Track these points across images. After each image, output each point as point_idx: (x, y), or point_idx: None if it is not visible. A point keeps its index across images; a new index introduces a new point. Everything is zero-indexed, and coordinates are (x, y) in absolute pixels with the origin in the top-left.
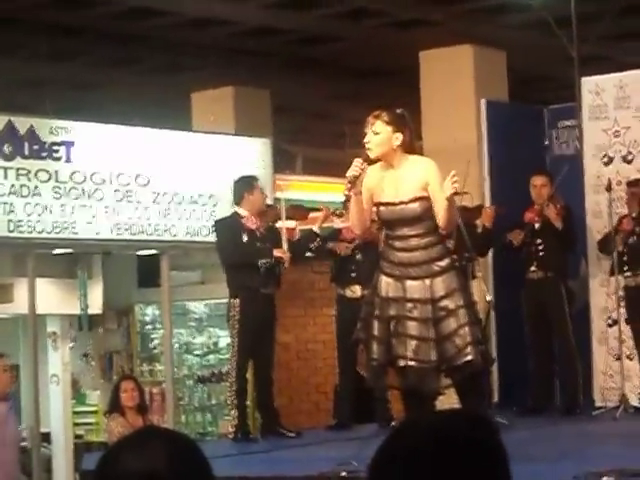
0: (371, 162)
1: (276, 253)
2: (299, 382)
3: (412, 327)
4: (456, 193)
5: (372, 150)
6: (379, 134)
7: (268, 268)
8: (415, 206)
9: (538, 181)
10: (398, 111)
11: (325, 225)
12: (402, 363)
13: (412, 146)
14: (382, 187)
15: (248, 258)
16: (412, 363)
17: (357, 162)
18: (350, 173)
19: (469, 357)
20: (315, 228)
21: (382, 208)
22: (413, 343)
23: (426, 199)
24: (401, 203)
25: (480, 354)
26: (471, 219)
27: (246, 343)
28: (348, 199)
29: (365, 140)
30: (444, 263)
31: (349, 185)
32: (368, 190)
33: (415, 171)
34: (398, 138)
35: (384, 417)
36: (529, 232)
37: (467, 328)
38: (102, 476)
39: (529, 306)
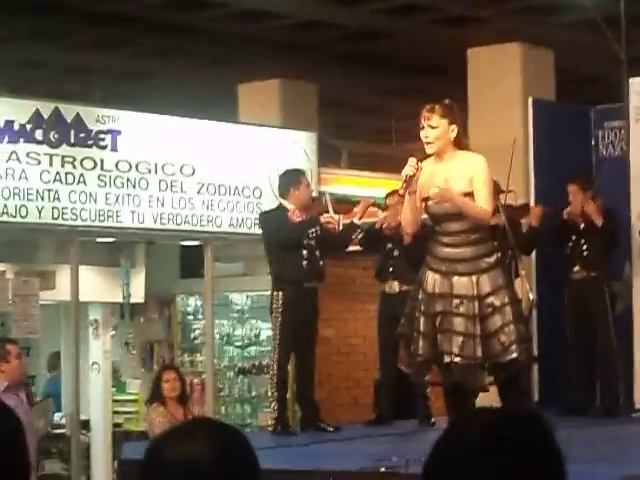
0: (423, 159)
1: (324, 219)
2: (339, 376)
3: (458, 323)
4: (501, 191)
5: (432, 144)
6: (437, 128)
7: (312, 261)
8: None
9: (570, 188)
10: (447, 102)
11: (368, 220)
12: (447, 359)
13: (462, 138)
14: (432, 182)
15: (297, 235)
16: (457, 359)
17: (412, 161)
18: (405, 172)
19: (514, 355)
20: (356, 220)
21: (431, 203)
22: (459, 339)
23: (470, 195)
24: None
25: (525, 352)
26: (516, 217)
27: (288, 336)
28: (402, 196)
29: (423, 135)
30: (491, 260)
31: (404, 184)
32: (420, 187)
33: (464, 166)
34: (454, 130)
35: (424, 414)
36: (573, 231)
37: (512, 326)
38: (148, 465)
39: (571, 306)
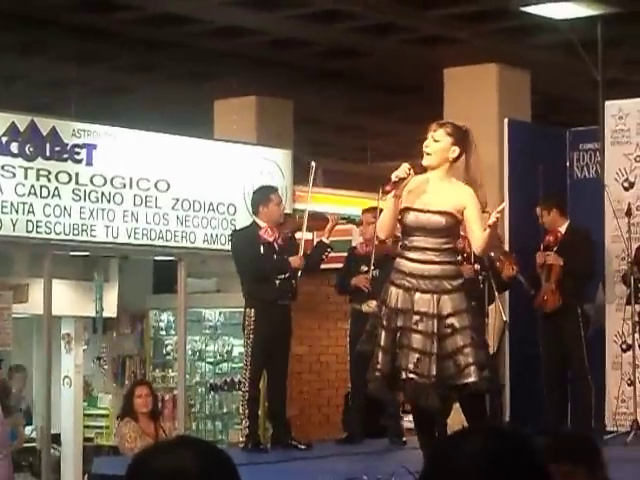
0: (417, 173)
1: (292, 262)
2: (311, 394)
3: (416, 340)
4: (484, 211)
5: (429, 156)
6: (439, 142)
7: (284, 279)
8: (441, 219)
9: (538, 212)
10: (463, 127)
11: (343, 238)
12: (403, 375)
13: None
14: (418, 194)
15: (264, 271)
16: (411, 376)
17: (405, 166)
18: (396, 174)
19: (470, 379)
20: (324, 239)
21: (410, 213)
22: (415, 356)
23: (454, 218)
24: (429, 212)
25: (483, 378)
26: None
27: (260, 353)
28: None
29: (424, 145)
30: (455, 282)
31: (391, 185)
32: (405, 198)
33: (454, 191)
34: (455, 151)
35: (395, 432)
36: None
37: (471, 349)
38: (134, 476)
39: (544, 328)
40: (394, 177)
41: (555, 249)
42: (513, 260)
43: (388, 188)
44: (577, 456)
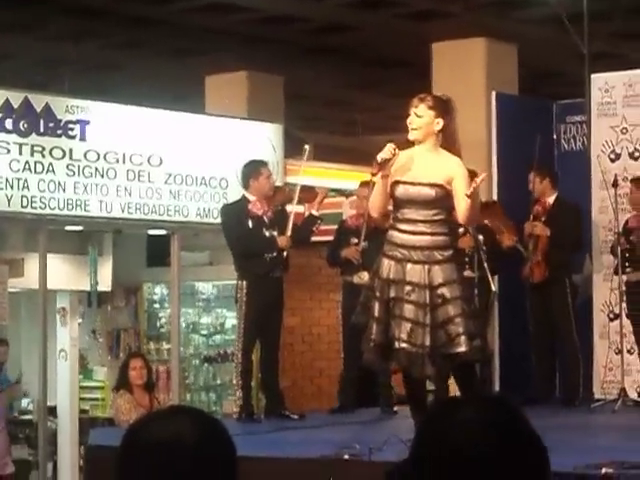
0: (405, 147)
1: (278, 242)
2: (303, 365)
3: (408, 310)
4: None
5: (415, 131)
6: (421, 117)
7: (274, 256)
8: (431, 191)
9: (534, 177)
10: (444, 97)
11: (334, 211)
12: (396, 345)
13: (452, 136)
14: (407, 167)
15: (252, 249)
16: (404, 345)
17: (390, 146)
18: (381, 156)
19: (460, 348)
20: (314, 211)
21: (399, 186)
22: (408, 326)
23: (444, 189)
24: (419, 184)
25: (473, 348)
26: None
27: (253, 325)
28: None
29: (408, 121)
30: (446, 253)
31: (377, 167)
32: (392, 171)
33: (443, 163)
34: (439, 123)
35: (386, 402)
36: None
37: (462, 319)
38: (130, 444)
39: (533, 299)
40: (379, 159)
41: (543, 220)
42: (513, 230)
43: (374, 171)
44: None
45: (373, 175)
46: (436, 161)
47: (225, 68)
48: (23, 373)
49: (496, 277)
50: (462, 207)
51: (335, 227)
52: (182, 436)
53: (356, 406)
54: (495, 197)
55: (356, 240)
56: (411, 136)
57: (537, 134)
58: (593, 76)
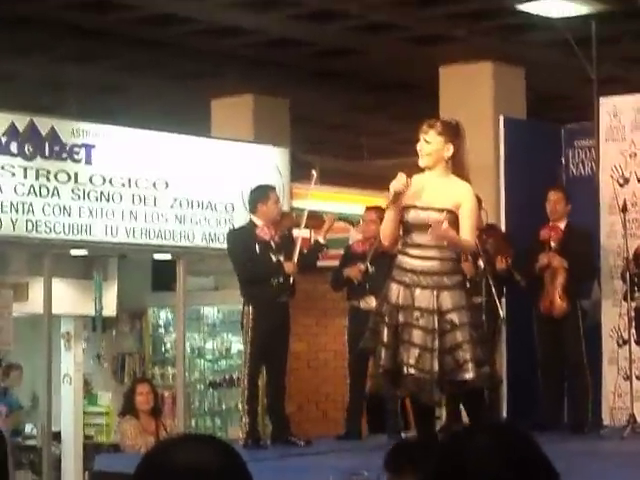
0: (411, 174)
1: (286, 268)
2: (309, 390)
3: (417, 335)
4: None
5: (423, 159)
6: (431, 144)
7: (280, 282)
8: (441, 216)
9: (553, 196)
10: (452, 122)
11: (340, 236)
12: (404, 371)
13: (461, 161)
14: (418, 192)
15: (259, 274)
16: (413, 371)
17: (402, 178)
18: (394, 189)
19: (468, 375)
20: (320, 239)
21: (410, 211)
22: (416, 352)
23: (453, 215)
24: (429, 209)
25: (481, 375)
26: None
27: (259, 350)
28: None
29: (418, 148)
30: (455, 279)
31: (391, 200)
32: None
33: (453, 188)
34: (449, 149)
35: (394, 428)
36: (545, 250)
37: (470, 346)
38: (150, 470)
39: (542, 324)
40: (392, 191)
41: (555, 248)
42: (507, 253)
43: (389, 203)
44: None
45: (387, 207)
46: (446, 186)
47: (231, 91)
48: (38, 396)
49: (503, 302)
50: (462, 234)
51: (341, 252)
52: (206, 463)
53: (362, 432)
54: (503, 221)
55: (362, 266)
56: (422, 163)
57: (561, 158)
58: (602, 100)
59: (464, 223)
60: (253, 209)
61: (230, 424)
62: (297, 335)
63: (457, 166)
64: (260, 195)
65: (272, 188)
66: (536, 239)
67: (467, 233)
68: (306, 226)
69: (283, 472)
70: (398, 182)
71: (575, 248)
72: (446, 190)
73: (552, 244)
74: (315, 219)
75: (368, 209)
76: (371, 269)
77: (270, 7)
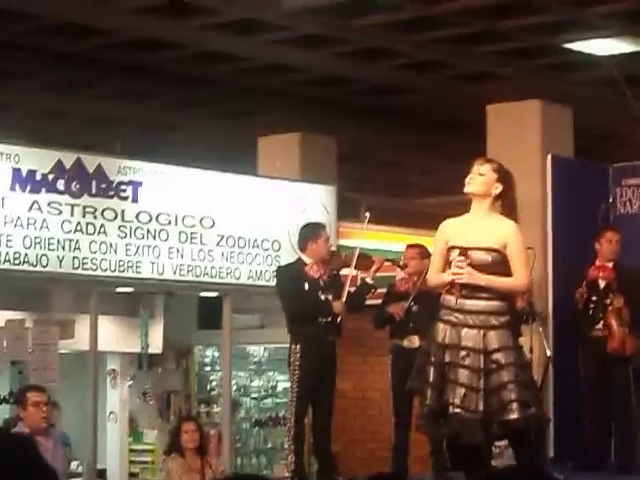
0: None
1: (334, 307)
2: (355, 429)
3: (463, 375)
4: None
5: (470, 185)
6: (483, 175)
7: (327, 321)
8: (487, 256)
9: (613, 236)
10: (507, 169)
11: (385, 274)
12: (450, 410)
13: (511, 205)
14: (462, 232)
15: (308, 312)
16: (458, 410)
17: (463, 264)
18: (453, 276)
19: (512, 416)
20: (368, 279)
21: (455, 251)
22: (462, 391)
23: (500, 254)
24: (475, 249)
25: (527, 416)
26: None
27: (306, 389)
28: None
29: (468, 177)
30: (502, 319)
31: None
32: (445, 240)
33: (498, 226)
34: (498, 187)
35: (440, 467)
36: (593, 290)
37: (515, 386)
38: None
39: (590, 363)
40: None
41: (608, 286)
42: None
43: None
44: None
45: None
46: (492, 225)
47: (278, 129)
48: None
49: (551, 342)
50: (515, 272)
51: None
52: None
53: (408, 472)
54: (550, 260)
55: (405, 303)
56: (469, 188)
57: (608, 196)
58: None
59: (515, 262)
60: (303, 247)
61: (275, 462)
62: (343, 374)
63: (506, 208)
64: (310, 233)
65: (322, 226)
66: (583, 279)
67: (519, 272)
68: (355, 266)
69: None
70: (458, 269)
71: (628, 285)
72: (491, 229)
73: (601, 283)
74: (362, 259)
75: (409, 247)
76: (414, 308)
77: (318, 44)
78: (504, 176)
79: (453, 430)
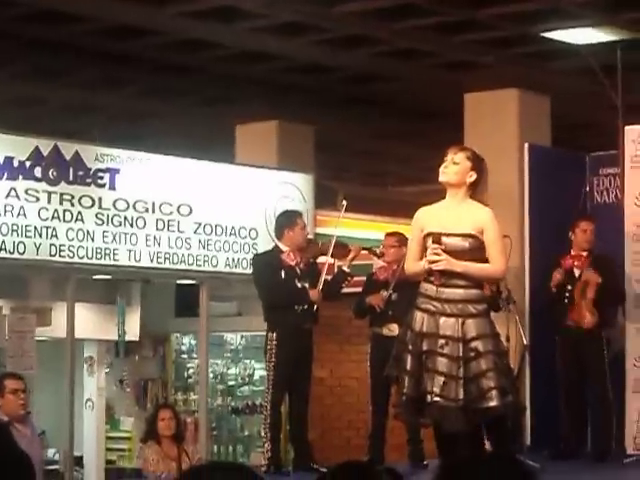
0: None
1: (310, 295)
2: (332, 417)
3: (441, 363)
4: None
5: (445, 174)
6: (458, 164)
7: (304, 309)
8: (464, 242)
9: (588, 226)
10: (480, 156)
11: (363, 262)
12: (429, 399)
13: (481, 193)
14: (437, 219)
15: (284, 300)
16: (437, 399)
17: (438, 250)
18: (430, 263)
19: (491, 403)
20: (345, 267)
21: (431, 238)
22: (441, 379)
23: (477, 240)
24: (452, 235)
25: (505, 403)
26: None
27: (282, 377)
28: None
29: (442, 166)
30: (480, 307)
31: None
32: (420, 228)
33: (474, 212)
34: (472, 176)
35: (416, 456)
36: (568, 279)
37: (494, 374)
38: None
39: (565, 352)
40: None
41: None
42: None
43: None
44: None
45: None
46: (467, 211)
47: (256, 117)
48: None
49: (527, 330)
50: (491, 259)
51: (364, 279)
52: None
53: (385, 460)
54: (527, 249)
55: (385, 292)
56: (443, 177)
57: (585, 185)
58: (627, 128)
59: (491, 248)
60: (279, 234)
61: (252, 450)
62: (320, 362)
63: (477, 194)
64: (287, 221)
65: (299, 214)
66: (558, 267)
67: (495, 258)
68: (332, 255)
69: None
70: (435, 255)
71: (602, 273)
72: (467, 215)
73: (576, 272)
74: (339, 248)
75: (388, 235)
76: (394, 296)
77: (296, 32)
78: (478, 164)
79: (433, 419)
